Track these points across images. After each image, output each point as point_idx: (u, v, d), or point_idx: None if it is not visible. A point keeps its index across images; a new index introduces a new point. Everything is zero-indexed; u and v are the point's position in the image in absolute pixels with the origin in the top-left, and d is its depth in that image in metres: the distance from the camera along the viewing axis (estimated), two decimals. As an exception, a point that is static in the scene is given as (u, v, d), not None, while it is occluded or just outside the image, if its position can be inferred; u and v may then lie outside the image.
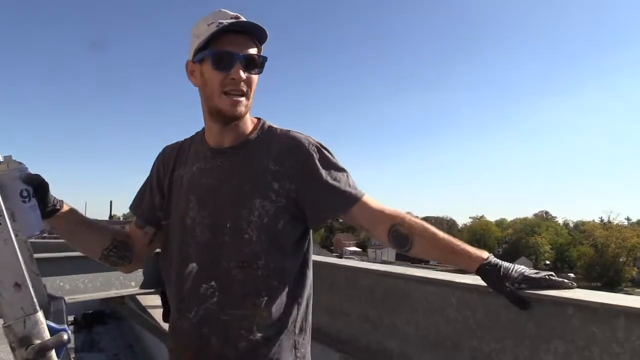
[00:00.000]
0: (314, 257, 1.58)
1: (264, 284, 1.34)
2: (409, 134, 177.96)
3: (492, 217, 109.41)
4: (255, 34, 1.33)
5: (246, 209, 1.34)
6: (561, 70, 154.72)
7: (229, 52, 1.30)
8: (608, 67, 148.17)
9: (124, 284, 3.55)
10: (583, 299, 1.40)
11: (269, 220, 1.34)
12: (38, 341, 1.29)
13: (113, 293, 3.50)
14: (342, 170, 1.40)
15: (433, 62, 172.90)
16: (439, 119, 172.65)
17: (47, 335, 1.30)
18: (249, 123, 1.44)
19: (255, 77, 1.35)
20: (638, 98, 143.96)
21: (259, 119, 1.48)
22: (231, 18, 1.32)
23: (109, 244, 1.49)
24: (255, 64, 1.34)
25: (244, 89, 1.33)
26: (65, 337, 1.34)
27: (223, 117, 1.36)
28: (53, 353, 1.31)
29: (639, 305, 1.29)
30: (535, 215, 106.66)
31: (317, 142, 1.41)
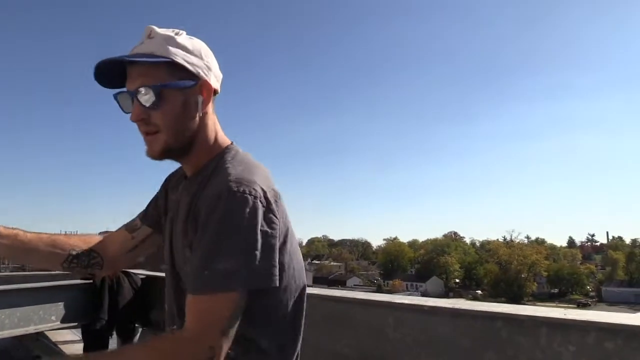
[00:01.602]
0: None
1: None
2: (323, 157, 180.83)
3: (405, 239, 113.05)
4: (136, 60, 1.13)
5: (182, 258, 1.20)
6: (467, 96, 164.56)
7: (121, 92, 1.18)
8: (501, 95, 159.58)
9: (43, 318, 3.37)
10: (510, 312, 1.57)
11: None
12: None
13: (32, 329, 3.32)
14: (229, 246, 1.03)
15: (343, 86, 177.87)
16: (352, 142, 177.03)
17: None
18: (205, 151, 1.23)
19: (162, 109, 1.14)
20: (534, 124, 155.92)
21: (230, 144, 1.28)
22: (147, 37, 1.17)
23: (66, 257, 1.42)
24: (147, 98, 1.13)
25: (151, 127, 1.15)
26: None
27: (150, 158, 1.21)
28: None
29: (557, 315, 1.48)
30: (445, 235, 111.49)
31: (240, 192, 1.06)
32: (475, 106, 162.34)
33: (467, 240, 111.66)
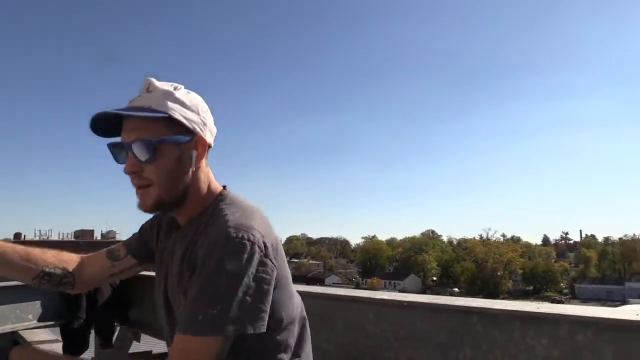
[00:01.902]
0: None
1: None
2: (303, 155, 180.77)
3: (383, 237, 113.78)
4: (131, 115, 1.15)
5: (177, 300, 1.21)
6: (447, 99, 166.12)
7: (116, 143, 1.19)
8: (489, 97, 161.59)
9: (20, 317, 3.34)
10: (485, 306, 1.62)
11: None
12: None
13: (9, 328, 3.29)
14: (222, 291, 1.04)
15: (328, 86, 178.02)
16: (332, 140, 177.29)
17: None
18: (199, 202, 1.24)
19: (156, 164, 1.15)
20: (511, 124, 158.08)
21: (224, 187, 1.30)
22: (146, 90, 1.19)
23: (38, 273, 1.41)
24: (142, 152, 1.14)
25: (144, 181, 1.16)
26: None
27: (143, 211, 1.22)
28: None
29: (530, 309, 1.53)
30: (423, 234, 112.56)
31: (237, 238, 1.07)
32: (455, 107, 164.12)
33: (445, 239, 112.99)
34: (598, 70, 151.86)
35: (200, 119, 1.21)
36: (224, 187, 1.29)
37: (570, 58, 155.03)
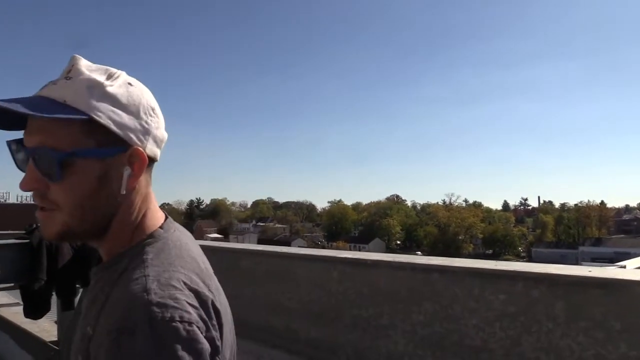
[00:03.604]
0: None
1: None
2: (269, 117, 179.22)
3: (348, 201, 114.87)
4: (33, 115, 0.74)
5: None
6: (410, 62, 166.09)
7: (18, 142, 0.81)
8: (451, 60, 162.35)
9: (-23, 280, 3.25)
10: (446, 264, 1.66)
11: None
12: None
13: (-35, 290, 3.19)
14: None
15: (295, 46, 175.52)
16: (299, 103, 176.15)
17: None
18: (126, 237, 0.85)
19: (63, 184, 0.77)
20: (474, 89, 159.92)
21: (166, 219, 0.90)
22: (65, 74, 0.81)
23: None
24: (45, 166, 0.76)
25: (47, 203, 0.79)
26: None
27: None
28: None
29: (489, 266, 1.58)
30: (388, 198, 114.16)
31: (153, 318, 0.68)
32: (421, 70, 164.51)
33: (409, 203, 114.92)
34: (557, 35, 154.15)
35: (140, 124, 0.83)
36: (166, 218, 0.90)
37: (528, 25, 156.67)
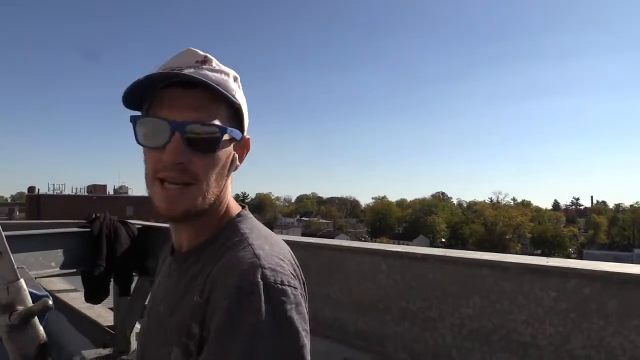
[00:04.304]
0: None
1: None
2: (315, 114, 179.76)
3: (393, 198, 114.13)
4: (216, 88, 0.85)
5: (161, 355, 0.92)
6: (457, 57, 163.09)
7: (161, 119, 0.84)
8: (499, 56, 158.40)
9: (44, 264, 3.43)
10: (496, 259, 1.68)
11: None
12: (21, 307, 1.34)
13: (33, 274, 3.39)
14: (259, 342, 0.75)
15: (341, 43, 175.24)
16: (344, 99, 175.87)
17: (30, 301, 1.36)
18: (217, 219, 0.95)
19: (211, 157, 0.86)
20: (527, 86, 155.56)
21: (243, 207, 1.01)
22: (196, 62, 0.89)
23: None
24: (206, 139, 0.85)
25: (187, 177, 0.85)
26: (50, 302, 1.39)
27: (158, 214, 0.91)
28: (36, 318, 1.37)
29: (540, 262, 1.58)
30: (433, 195, 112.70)
31: (268, 284, 0.78)
32: (473, 66, 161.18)
33: (454, 201, 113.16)
34: (609, 29, 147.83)
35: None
36: (243, 206, 1.01)
37: (586, 18, 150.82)
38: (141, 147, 0.89)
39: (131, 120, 0.87)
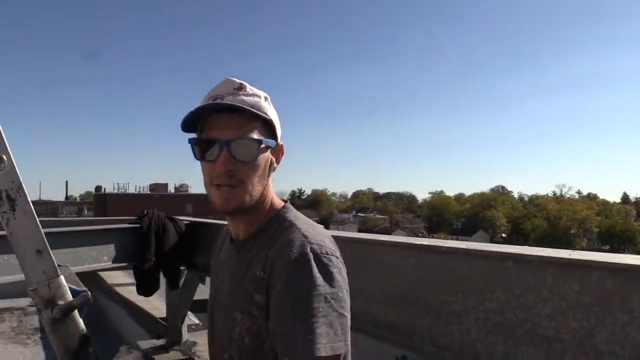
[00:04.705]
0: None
1: None
2: (369, 108, 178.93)
3: (450, 192, 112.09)
4: (251, 111, 1.13)
5: (230, 322, 1.18)
6: (513, 46, 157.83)
7: (211, 139, 1.13)
8: (560, 43, 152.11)
9: (96, 258, 3.62)
10: (520, 252, 1.65)
11: (250, 340, 1.13)
12: (62, 302, 1.45)
13: (86, 268, 3.58)
14: (321, 303, 1.00)
15: (389, 37, 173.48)
16: (399, 94, 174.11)
17: (69, 296, 1.47)
18: (264, 212, 1.22)
19: (252, 164, 1.13)
20: (589, 76, 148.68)
21: (286, 202, 1.28)
22: (233, 89, 1.17)
23: None
24: (244, 152, 1.12)
25: (234, 181, 1.12)
26: (88, 297, 1.49)
27: (215, 210, 1.19)
28: (76, 312, 1.48)
29: (563, 255, 1.55)
30: (492, 190, 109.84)
31: (314, 252, 1.06)
32: (534, 57, 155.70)
33: (515, 195, 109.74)
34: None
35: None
36: (285, 200, 1.28)
37: None
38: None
39: (189, 142, 1.17)
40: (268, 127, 1.18)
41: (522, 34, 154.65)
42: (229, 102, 1.11)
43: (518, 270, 1.65)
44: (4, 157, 1.46)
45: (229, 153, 1.10)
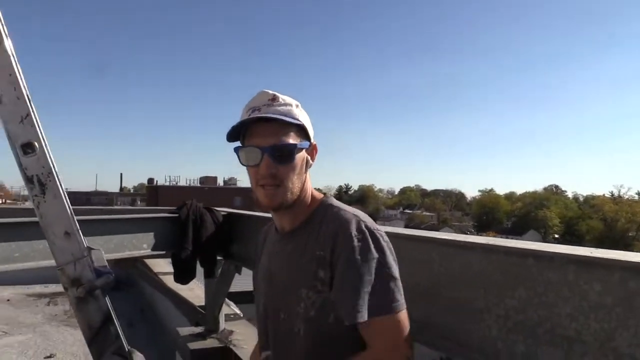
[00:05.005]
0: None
1: None
2: (418, 104, 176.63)
3: (501, 191, 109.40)
4: (284, 120, 1.32)
5: (294, 299, 1.35)
6: (572, 40, 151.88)
7: (253, 147, 1.32)
8: (623, 39, 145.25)
9: (136, 246, 3.74)
10: (541, 249, 1.61)
11: (316, 312, 1.32)
12: (87, 282, 1.54)
13: (127, 254, 3.70)
14: (380, 271, 1.29)
15: (443, 31, 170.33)
16: (448, 89, 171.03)
17: (94, 277, 1.56)
18: (306, 205, 1.43)
19: (290, 165, 1.34)
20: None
21: (324, 194, 1.48)
22: (268, 100, 1.34)
23: None
24: (284, 155, 1.32)
25: (277, 181, 1.32)
26: (111, 278, 1.59)
27: (262, 207, 1.39)
28: (100, 292, 1.57)
29: (584, 253, 1.50)
30: (545, 189, 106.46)
31: (367, 228, 1.32)
32: (585, 49, 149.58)
33: (569, 195, 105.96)
34: None
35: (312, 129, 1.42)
36: (324, 193, 1.49)
37: None
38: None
39: (235, 150, 1.37)
40: (302, 131, 1.37)
41: (590, 25, 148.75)
42: (264, 114, 1.30)
43: (539, 267, 1.61)
44: (36, 144, 1.54)
45: (270, 157, 1.30)
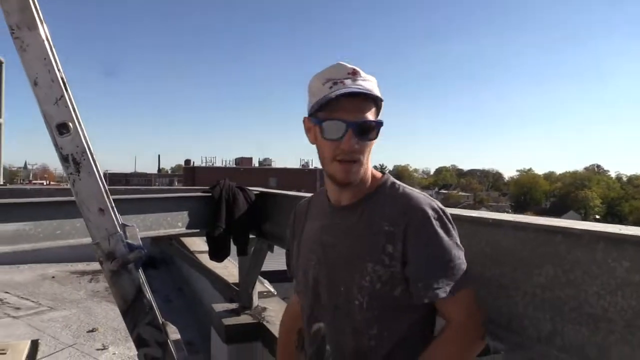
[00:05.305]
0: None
1: (375, 355, 1.36)
2: (455, 83, 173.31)
3: (540, 170, 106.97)
4: (371, 95, 1.30)
5: (358, 272, 1.34)
6: (611, 15, 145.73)
7: (339, 121, 1.27)
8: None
9: (171, 224, 3.85)
10: (570, 226, 1.59)
11: (382, 286, 1.33)
12: (120, 256, 1.61)
13: (162, 232, 3.81)
14: (456, 248, 1.36)
15: (478, 9, 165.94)
16: (486, 67, 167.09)
17: (127, 251, 1.63)
18: (368, 180, 1.43)
19: (370, 143, 1.34)
20: None
21: (383, 173, 1.48)
22: (348, 74, 1.31)
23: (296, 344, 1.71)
24: (368, 131, 1.31)
25: (357, 156, 1.31)
26: (143, 253, 1.66)
27: (336, 182, 1.37)
28: (133, 266, 1.64)
29: (613, 230, 1.47)
30: (586, 168, 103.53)
31: (439, 207, 1.37)
32: (627, 22, 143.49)
33: (612, 175, 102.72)
34: None
35: None
36: (383, 172, 1.49)
37: None
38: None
39: (316, 123, 1.33)
40: (377, 108, 1.34)
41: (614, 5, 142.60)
42: (354, 89, 1.27)
43: (567, 245, 1.59)
44: (70, 125, 1.60)
45: (354, 133, 1.28)
